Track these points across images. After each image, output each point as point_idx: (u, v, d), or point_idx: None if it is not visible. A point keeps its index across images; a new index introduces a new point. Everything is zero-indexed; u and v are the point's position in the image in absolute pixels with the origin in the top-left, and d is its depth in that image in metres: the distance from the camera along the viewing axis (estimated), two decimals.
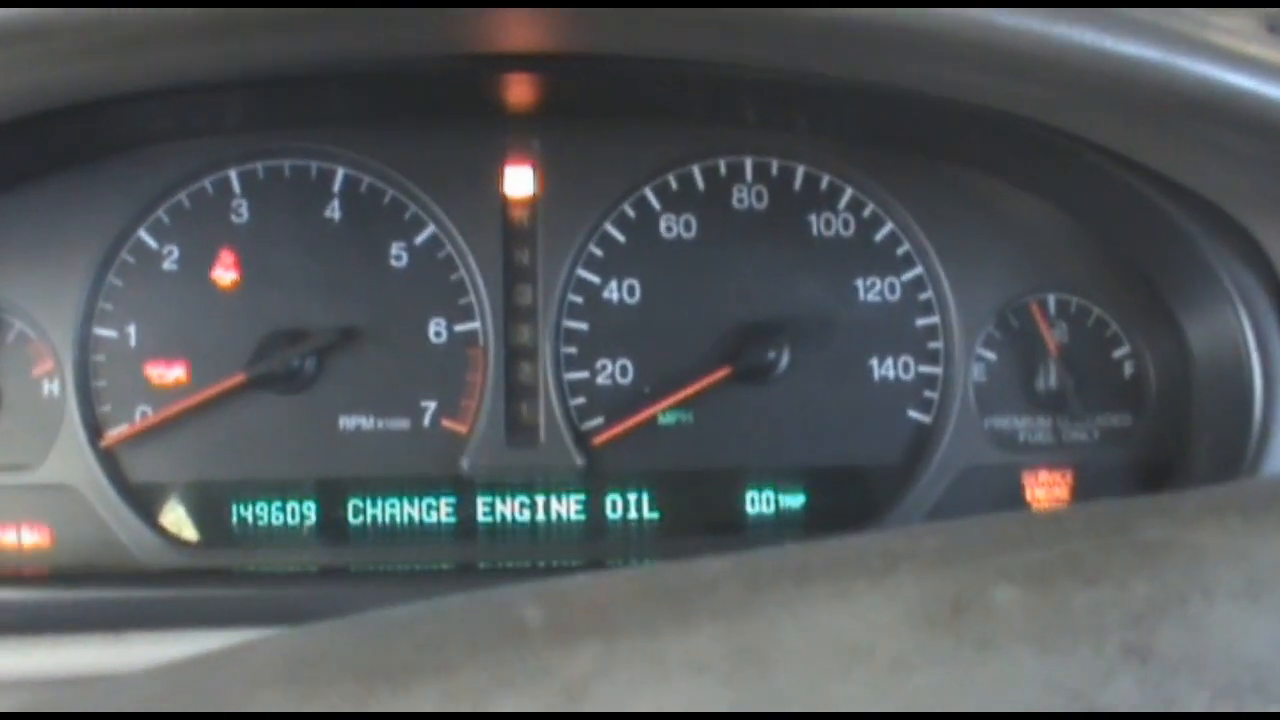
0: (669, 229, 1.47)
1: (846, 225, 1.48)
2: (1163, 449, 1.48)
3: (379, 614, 0.58)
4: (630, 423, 1.44)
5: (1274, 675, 0.52)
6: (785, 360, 1.45)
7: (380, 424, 1.44)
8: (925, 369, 1.48)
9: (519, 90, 1.43)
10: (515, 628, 0.54)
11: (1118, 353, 1.50)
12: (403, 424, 1.45)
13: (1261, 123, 1.08)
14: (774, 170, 1.48)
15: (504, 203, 1.47)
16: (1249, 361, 1.36)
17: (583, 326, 1.46)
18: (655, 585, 0.57)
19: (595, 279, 1.46)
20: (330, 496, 1.45)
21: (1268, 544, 0.56)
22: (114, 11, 0.97)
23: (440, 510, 1.45)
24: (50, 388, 1.42)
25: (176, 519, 1.43)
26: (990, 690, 0.50)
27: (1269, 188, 1.27)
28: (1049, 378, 1.48)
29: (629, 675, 0.50)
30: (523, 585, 0.58)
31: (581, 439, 1.45)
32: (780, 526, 1.46)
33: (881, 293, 1.48)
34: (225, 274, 1.44)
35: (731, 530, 1.47)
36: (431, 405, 1.45)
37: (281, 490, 1.44)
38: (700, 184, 1.48)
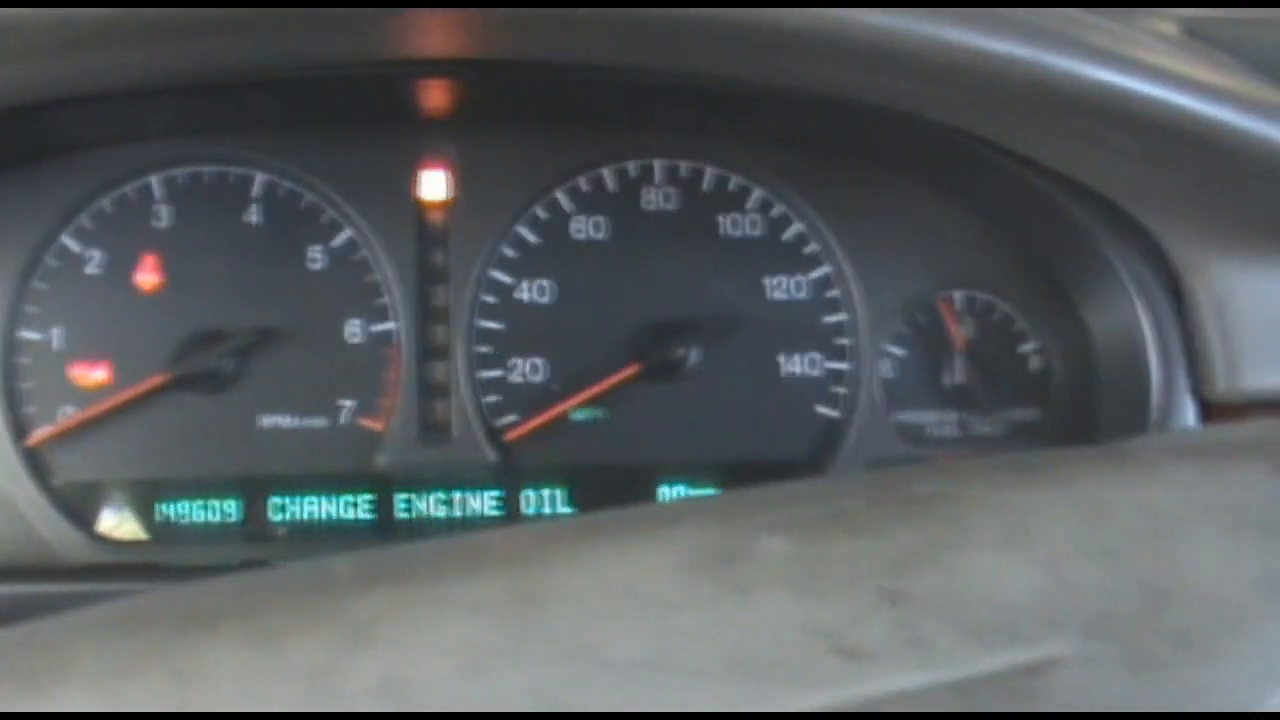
0: (580, 230, 1.50)
1: (755, 225, 1.52)
2: (1069, 441, 1.51)
3: (208, 579, 0.62)
4: (542, 419, 1.47)
5: (1023, 618, 0.55)
6: (695, 358, 1.48)
7: (299, 422, 1.47)
8: (833, 365, 1.52)
9: (433, 96, 1.46)
10: (324, 579, 0.58)
11: (1024, 348, 1.53)
12: (321, 422, 1.47)
13: (1134, 118, 1.12)
14: (683, 172, 1.52)
15: (419, 206, 1.50)
16: (1147, 353, 1.39)
17: (496, 326, 1.49)
18: (459, 543, 0.61)
19: (508, 279, 1.50)
20: (252, 494, 1.47)
21: (1030, 499, 0.59)
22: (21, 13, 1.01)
23: (359, 507, 1.48)
24: None
25: (107, 520, 1.46)
26: (745, 630, 0.53)
27: (1158, 183, 1.31)
28: (956, 373, 1.51)
29: (412, 615, 0.54)
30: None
31: (494, 435, 1.48)
32: None
33: (789, 291, 1.51)
34: (148, 277, 1.47)
35: None
36: (349, 404, 1.48)
37: (204, 489, 1.47)
38: (610, 186, 1.51)
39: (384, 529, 1.48)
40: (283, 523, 1.47)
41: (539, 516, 1.49)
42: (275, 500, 1.47)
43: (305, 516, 1.48)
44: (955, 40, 1.05)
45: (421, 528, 1.48)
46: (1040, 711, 0.52)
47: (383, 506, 1.48)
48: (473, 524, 1.49)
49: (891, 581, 0.55)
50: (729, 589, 0.54)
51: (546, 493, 1.49)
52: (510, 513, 1.49)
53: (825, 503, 0.59)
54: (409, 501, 1.48)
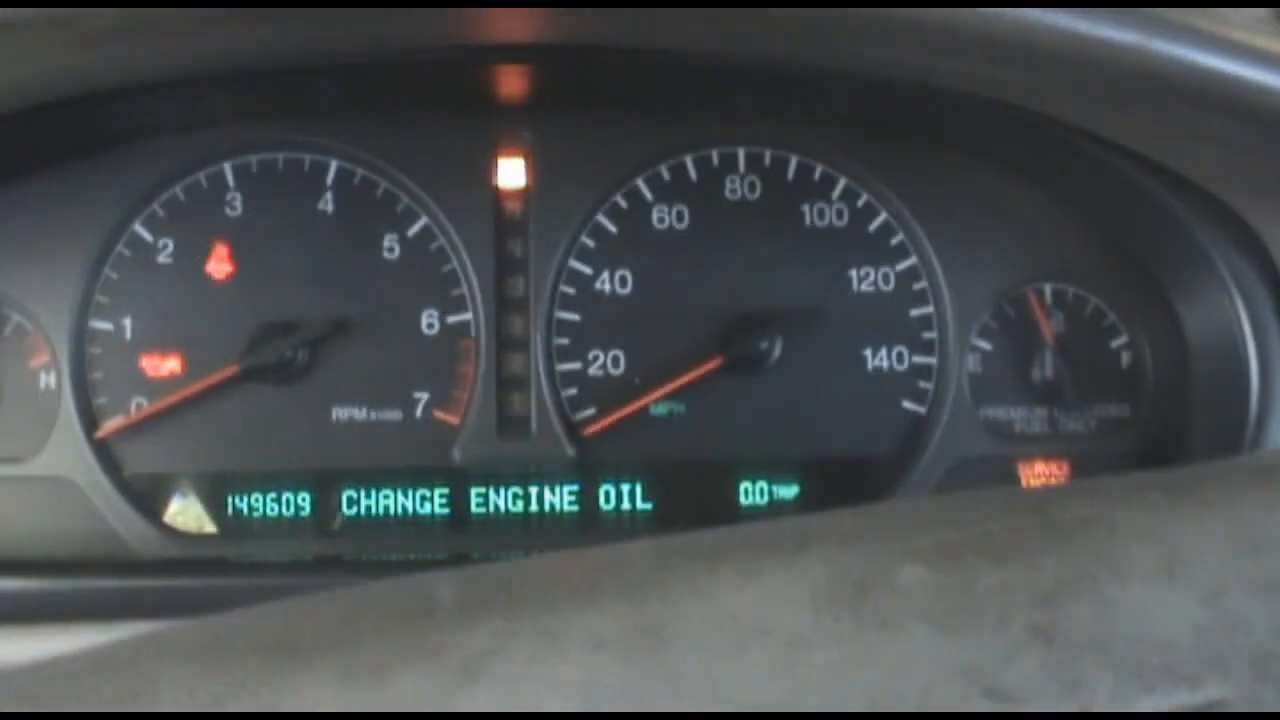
0: (661, 220, 1.47)
1: (840, 215, 1.48)
2: (1160, 439, 1.47)
3: (300, 599, 0.58)
4: (621, 413, 1.44)
5: (1185, 657, 0.51)
6: (778, 350, 1.44)
7: (373, 415, 1.45)
8: (920, 359, 1.48)
9: (511, 82, 1.43)
10: (424, 607, 0.54)
11: (1115, 342, 1.49)
12: (395, 415, 1.45)
13: (1245, 107, 1.07)
14: (767, 160, 1.48)
15: (496, 194, 1.47)
16: (1245, 349, 1.35)
17: (575, 317, 1.46)
18: (567, 567, 0.57)
19: (587, 270, 1.46)
20: (324, 487, 1.45)
21: (1186, 525, 0.55)
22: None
23: (434, 501, 1.46)
24: (46, 380, 1.43)
25: (174, 511, 1.44)
26: (887, 670, 0.49)
27: (1261, 173, 1.26)
28: (1045, 368, 1.47)
29: (527, 652, 0.50)
30: (448, 571, 0.58)
31: (573, 430, 1.45)
32: (773, 518, 1.45)
33: (875, 283, 1.47)
34: (219, 266, 1.45)
35: (725, 521, 1.45)
36: (424, 396, 1.45)
37: (276, 481, 1.45)
38: (692, 174, 1.47)
39: (458, 523, 1.46)
40: (355, 517, 1.45)
41: (617, 512, 1.46)
42: (348, 493, 1.45)
43: (378, 510, 1.45)
44: (1065, 27, 1.00)
45: (496, 522, 1.46)
46: None
47: (457, 501, 1.46)
48: (548, 519, 1.46)
49: (1042, 616, 0.51)
50: (868, 624, 0.51)
51: (625, 488, 1.46)
52: (587, 508, 1.46)
53: (964, 526, 0.55)
54: (484, 496, 1.46)
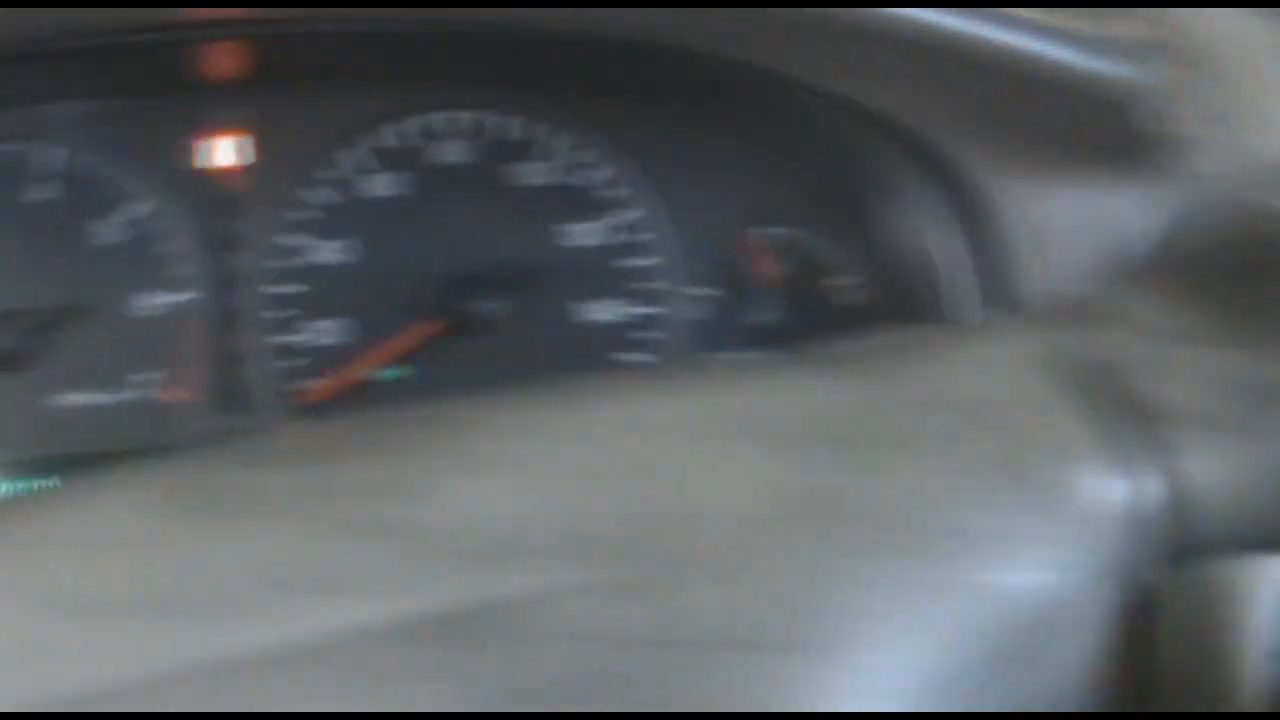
0: (375, 188, 1.48)
1: (554, 173, 1.49)
2: None
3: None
4: (340, 381, 1.45)
5: (532, 541, 0.53)
6: (494, 310, 1.46)
7: (100, 399, 1.45)
8: (640, 310, 1.49)
9: (218, 59, 1.44)
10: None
11: (832, 281, 1.51)
12: (118, 398, 1.45)
13: (898, 39, 1.11)
14: (483, 122, 1.49)
15: (207, 173, 1.47)
16: (945, 278, 1.38)
17: (292, 290, 1.47)
18: None
19: (304, 242, 1.47)
20: (50, 474, 1.45)
21: (529, 418, 0.58)
22: None
23: None
24: None
25: None
26: (199, 567, 0.51)
27: (941, 103, 1.30)
28: (766, 310, 1.49)
29: None
30: None
31: (294, 400, 1.46)
32: None
33: (592, 237, 1.49)
34: None
35: None
36: (145, 378, 1.45)
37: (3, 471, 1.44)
38: (407, 140, 1.48)
39: None
40: None
41: None
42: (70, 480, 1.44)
43: None
44: None
45: None
46: (532, 642, 0.50)
47: None
48: None
49: (378, 511, 0.53)
50: (193, 525, 0.52)
51: None
52: None
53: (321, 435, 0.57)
54: None
